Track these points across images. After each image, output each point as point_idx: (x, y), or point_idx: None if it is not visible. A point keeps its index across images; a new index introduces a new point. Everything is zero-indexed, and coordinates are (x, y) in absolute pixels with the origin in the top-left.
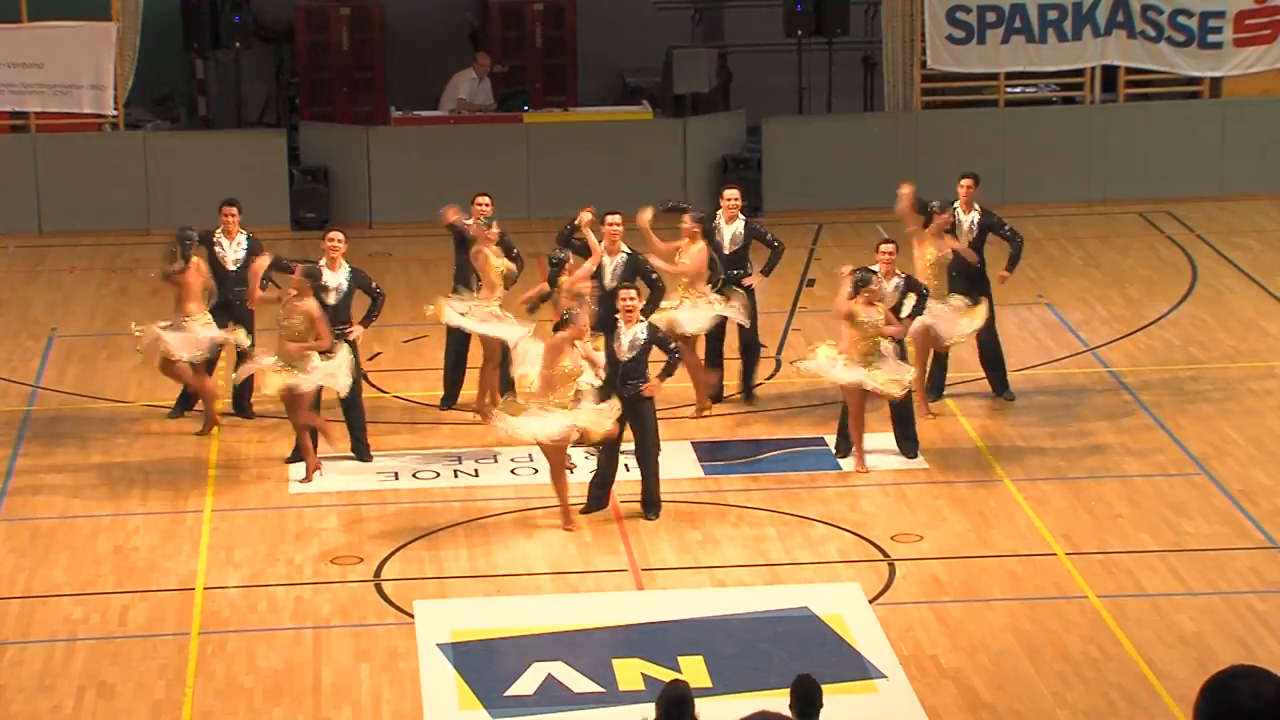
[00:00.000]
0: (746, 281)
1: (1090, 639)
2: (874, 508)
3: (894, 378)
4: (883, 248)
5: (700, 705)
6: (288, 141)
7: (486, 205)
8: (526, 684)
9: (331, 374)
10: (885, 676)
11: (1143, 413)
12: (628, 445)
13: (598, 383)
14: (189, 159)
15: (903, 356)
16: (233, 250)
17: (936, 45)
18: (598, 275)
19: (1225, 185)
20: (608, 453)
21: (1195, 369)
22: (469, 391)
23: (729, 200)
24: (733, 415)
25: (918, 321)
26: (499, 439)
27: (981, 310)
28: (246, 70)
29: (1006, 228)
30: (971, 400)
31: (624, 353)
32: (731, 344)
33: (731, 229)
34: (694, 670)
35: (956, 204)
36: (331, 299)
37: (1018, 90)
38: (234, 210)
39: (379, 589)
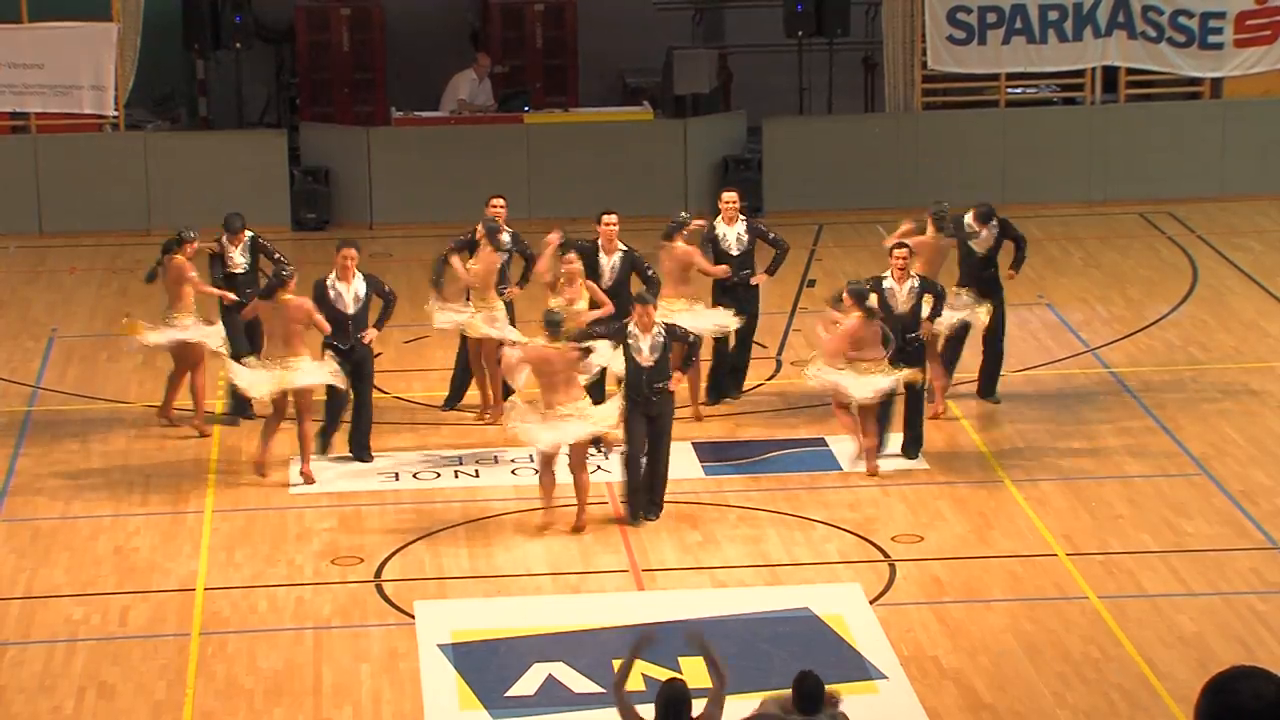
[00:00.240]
0: (753, 280)
1: (1091, 639)
2: (875, 508)
3: (910, 369)
4: (895, 253)
5: (700, 706)
6: (288, 142)
7: (501, 207)
8: (527, 684)
9: (319, 373)
10: (886, 677)
11: (1143, 413)
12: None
13: (592, 375)
14: (189, 159)
15: (921, 358)
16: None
17: (937, 46)
18: (596, 275)
19: (1226, 186)
20: (643, 458)
21: (1196, 369)
22: (473, 394)
23: (727, 203)
24: (733, 416)
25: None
26: (511, 438)
27: (987, 309)
28: (247, 71)
29: (1014, 230)
30: (972, 401)
31: (646, 358)
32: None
33: (734, 231)
34: (695, 671)
35: (967, 218)
36: (352, 308)
37: (1018, 91)
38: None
39: (379, 589)
